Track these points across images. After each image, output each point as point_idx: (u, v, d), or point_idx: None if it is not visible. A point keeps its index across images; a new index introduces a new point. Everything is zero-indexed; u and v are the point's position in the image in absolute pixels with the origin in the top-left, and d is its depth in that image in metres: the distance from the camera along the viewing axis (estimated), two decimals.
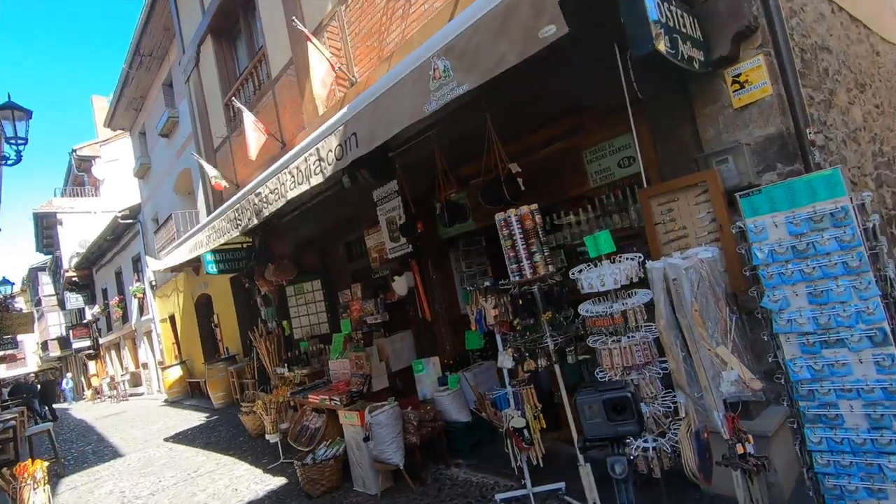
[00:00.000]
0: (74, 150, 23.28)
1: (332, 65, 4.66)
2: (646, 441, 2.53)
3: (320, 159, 3.44)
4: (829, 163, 3.35)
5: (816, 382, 1.99)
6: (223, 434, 8.10)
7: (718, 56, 3.05)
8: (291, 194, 3.80)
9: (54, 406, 17.81)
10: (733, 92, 3.12)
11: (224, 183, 6.75)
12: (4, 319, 12.23)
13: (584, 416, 1.88)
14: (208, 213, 8.82)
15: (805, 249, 1.95)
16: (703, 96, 3.24)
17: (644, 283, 2.73)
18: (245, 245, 8.14)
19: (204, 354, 12.79)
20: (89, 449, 9.36)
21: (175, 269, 12.42)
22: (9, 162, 7.91)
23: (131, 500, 5.52)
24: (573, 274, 2.89)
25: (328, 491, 4.51)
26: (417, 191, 5.21)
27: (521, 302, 3.19)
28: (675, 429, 2.61)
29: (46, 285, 31.72)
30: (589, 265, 2.87)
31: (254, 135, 5.49)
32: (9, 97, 7.89)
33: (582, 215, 4.23)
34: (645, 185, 3.40)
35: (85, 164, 23.81)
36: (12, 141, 7.51)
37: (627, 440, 1.98)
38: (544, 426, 3.47)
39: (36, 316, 34.16)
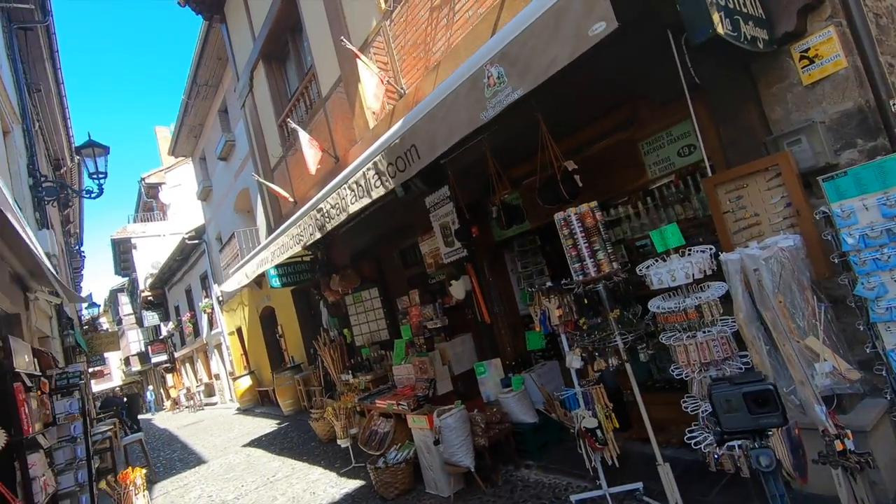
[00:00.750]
0: (143, 179, 25.14)
1: (381, 79, 4.79)
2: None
3: (379, 172, 3.55)
4: None
5: None
6: (295, 440, 8.46)
7: (784, 33, 2.90)
8: (353, 208, 3.94)
9: (139, 417, 19.20)
10: (802, 68, 2.95)
11: (287, 194, 7.11)
12: (94, 339, 13.35)
13: (721, 410, 1.83)
14: (268, 229, 9.28)
15: None
16: (769, 75, 3.08)
17: (717, 275, 2.64)
18: (304, 258, 8.48)
19: (271, 364, 13.41)
20: (175, 456, 10.04)
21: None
22: (93, 195, 8.64)
23: None
24: (641, 270, 2.83)
25: (402, 493, 4.63)
26: (470, 195, 5.25)
27: (586, 301, 3.15)
28: None
29: (125, 305, 34.26)
30: (657, 260, 2.81)
31: (310, 151, 5.73)
32: (89, 136, 8.60)
33: (641, 208, 4.12)
34: (709, 174, 3.27)
35: (152, 190, 25.63)
36: (94, 176, 8.21)
37: (770, 432, 1.89)
38: (616, 426, 3.40)
39: (118, 334, 37.06)
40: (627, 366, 3.10)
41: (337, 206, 4.15)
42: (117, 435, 10.66)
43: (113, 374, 41.57)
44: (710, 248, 2.62)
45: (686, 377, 2.65)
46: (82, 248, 18.46)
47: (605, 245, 3.09)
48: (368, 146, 4.87)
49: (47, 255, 7.41)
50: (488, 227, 5.47)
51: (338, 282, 7.24)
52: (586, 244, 3.09)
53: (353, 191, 3.89)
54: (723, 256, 2.43)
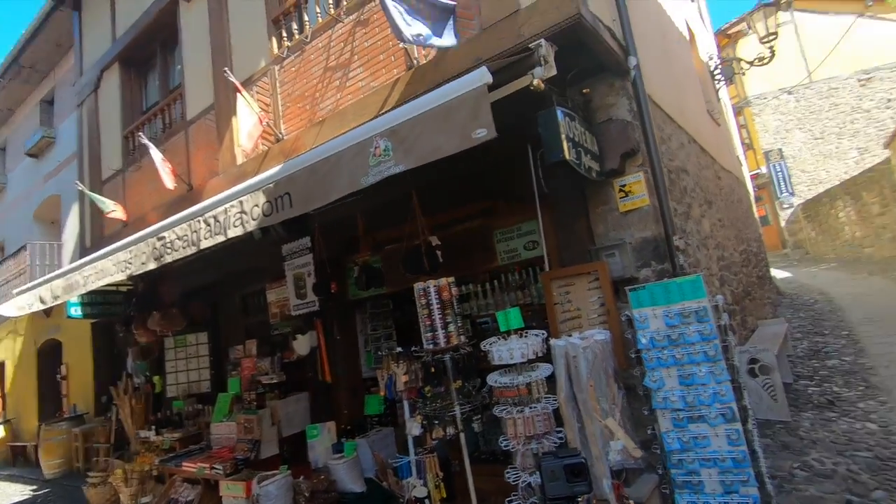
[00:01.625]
0: None
1: (260, 119, 4.68)
2: None
3: (243, 212, 3.39)
4: (689, 264, 4.08)
5: (684, 453, 2.36)
6: None
7: (609, 168, 3.68)
8: (205, 244, 3.65)
9: None
10: (619, 198, 3.74)
11: (121, 215, 6.18)
12: None
13: (547, 479, 2.19)
14: (80, 248, 7.86)
15: (677, 339, 2.39)
16: (597, 199, 3.82)
17: (546, 358, 3.04)
18: (120, 288, 7.32)
19: (40, 412, 10.76)
20: None
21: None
22: None
23: None
24: (484, 346, 3.11)
25: None
26: (331, 250, 5.23)
27: (433, 370, 3.32)
28: None
29: None
30: (499, 338, 3.13)
31: (165, 170, 5.20)
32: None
33: (489, 289, 4.56)
34: (547, 268, 3.83)
35: None
36: None
37: (580, 499, 2.25)
38: (444, 496, 3.51)
39: None
40: (461, 436, 3.28)
41: (185, 237, 3.79)
42: None
43: None
44: (543, 333, 3.02)
45: (512, 449, 2.91)
46: None
47: (456, 319, 3.35)
48: (232, 182, 4.65)
49: None
50: (345, 285, 5.45)
51: (157, 321, 6.36)
52: (440, 315, 3.31)
53: (208, 225, 3.62)
54: (553, 342, 2.83)
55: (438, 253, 3.86)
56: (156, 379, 7.20)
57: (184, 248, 3.82)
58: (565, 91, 3.58)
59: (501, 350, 2.95)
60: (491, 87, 2.68)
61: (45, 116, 11.83)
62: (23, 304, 5.56)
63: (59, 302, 5.19)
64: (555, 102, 3.13)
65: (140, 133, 5.87)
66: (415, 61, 3.92)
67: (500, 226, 4.43)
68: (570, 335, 3.02)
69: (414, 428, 3.30)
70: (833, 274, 12.72)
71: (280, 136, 4.85)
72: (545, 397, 2.96)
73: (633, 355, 2.62)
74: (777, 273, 12.73)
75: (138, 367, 7.47)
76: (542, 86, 2.92)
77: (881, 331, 6.76)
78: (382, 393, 3.62)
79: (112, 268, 4.46)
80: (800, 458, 3.74)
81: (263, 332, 6.29)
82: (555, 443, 2.91)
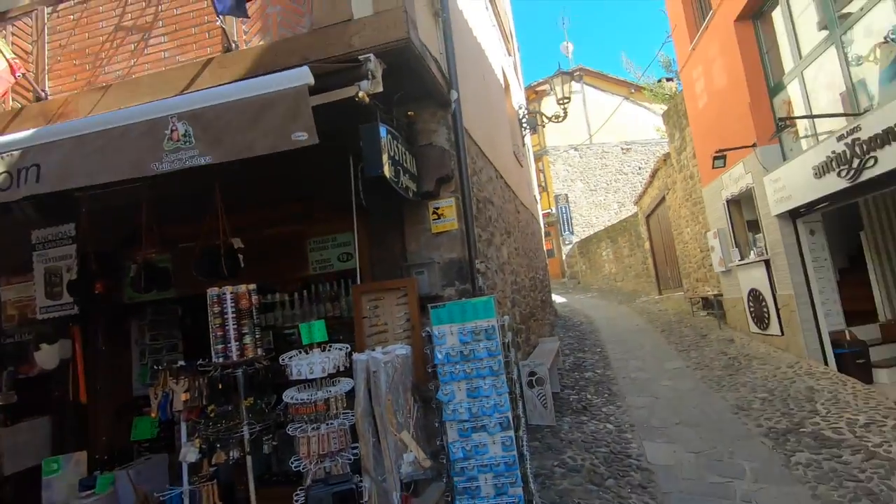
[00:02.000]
0: None
1: (12, 66, 3.68)
2: None
3: None
4: (488, 286, 4.50)
5: (466, 461, 2.54)
6: None
7: (425, 190, 3.86)
8: None
9: None
10: (433, 220, 3.95)
11: None
12: None
13: None
14: None
15: (468, 354, 2.59)
16: (412, 217, 3.97)
17: (348, 372, 2.99)
18: None
19: None
20: None
21: None
22: None
23: None
24: (283, 360, 2.92)
25: None
26: (102, 243, 4.36)
27: (220, 386, 2.97)
28: None
29: None
30: (300, 351, 2.98)
31: None
32: None
33: (297, 299, 4.33)
34: (359, 281, 3.81)
35: None
36: None
37: None
38: None
39: None
40: (248, 458, 2.99)
41: None
42: None
43: None
44: (347, 347, 2.97)
45: (303, 469, 2.77)
46: None
47: (254, 329, 3.08)
48: None
49: None
50: (118, 286, 4.58)
51: None
52: (235, 326, 3.00)
53: None
54: (355, 356, 2.80)
55: (240, 257, 3.52)
56: None
57: None
58: (391, 110, 3.66)
59: (301, 364, 2.80)
60: (316, 92, 2.58)
61: None
62: None
63: None
64: (379, 119, 3.17)
65: None
66: (234, 45, 3.56)
67: (315, 234, 4.27)
68: (374, 349, 3.03)
69: (190, 453, 2.89)
70: (595, 301, 15.57)
71: (43, 94, 3.89)
72: (343, 413, 2.91)
73: (430, 370, 2.76)
74: (556, 298, 15.01)
75: None
76: (367, 99, 2.93)
77: (621, 349, 8.48)
78: (154, 413, 3.10)
79: None
80: (559, 456, 4.39)
81: None
82: (349, 459, 2.85)
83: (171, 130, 2.38)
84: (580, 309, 13.84)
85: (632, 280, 15.52)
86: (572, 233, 20.83)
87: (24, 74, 3.80)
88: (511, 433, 2.54)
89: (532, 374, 4.88)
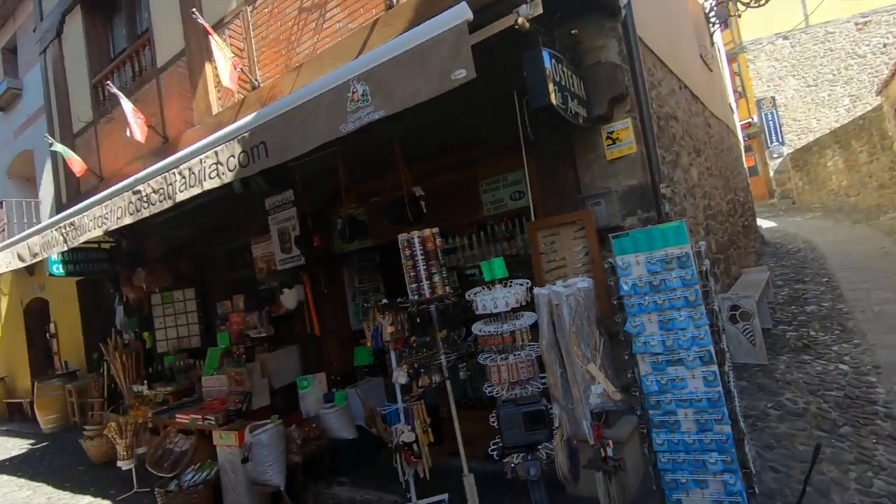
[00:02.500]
0: None
1: (234, 64, 4.45)
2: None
3: (218, 163, 3.27)
4: (675, 213, 4.06)
5: (662, 394, 2.42)
6: (56, 464, 6.93)
7: (597, 114, 3.57)
8: (181, 196, 3.54)
9: None
10: (606, 146, 3.66)
11: (85, 167, 5.98)
12: None
13: (506, 427, 2.09)
14: (57, 205, 7.65)
15: (658, 285, 2.40)
16: (583, 146, 3.74)
17: (530, 306, 3.06)
18: (102, 245, 7.19)
19: (32, 370, 10.83)
20: None
21: None
22: None
23: None
24: (469, 296, 3.12)
25: None
26: (314, 203, 5.14)
27: (418, 320, 3.33)
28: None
29: None
30: (483, 288, 3.13)
31: (136, 122, 4.98)
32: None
33: (474, 241, 4.53)
34: (533, 218, 3.80)
35: None
36: None
37: (539, 446, 2.21)
38: (432, 440, 3.62)
39: None
40: (448, 383, 3.34)
41: (161, 191, 3.68)
42: None
43: None
44: (527, 283, 3.02)
45: (496, 395, 2.98)
46: None
47: (441, 269, 3.33)
48: (209, 132, 4.45)
49: None
50: (330, 239, 5.40)
51: (143, 277, 6.30)
52: (424, 267, 3.29)
53: (184, 177, 3.51)
54: (536, 290, 2.83)
55: (422, 203, 3.79)
56: (145, 335, 7.22)
57: (160, 201, 3.71)
58: (552, 32, 3.41)
59: (486, 299, 2.95)
60: (473, 28, 2.54)
61: (10, 67, 11.21)
62: (5, 262, 5.46)
63: (38, 259, 5.09)
64: (541, 44, 2.99)
65: (109, 82, 5.58)
66: (394, 1, 3.70)
67: (486, 175, 4.35)
68: (554, 284, 3.02)
69: (400, 377, 3.35)
70: (818, 222, 12.88)
71: (256, 83, 4.63)
72: (528, 345, 3.01)
73: (615, 302, 2.65)
74: (763, 222, 12.85)
75: (127, 323, 7.47)
76: (528, 25, 2.77)
77: (860, 277, 6.92)
78: (369, 344, 3.65)
79: (89, 223, 4.34)
80: (774, 398, 3.89)
81: (250, 286, 6.27)
82: (538, 388, 2.97)
83: (352, 92, 2.62)
84: (796, 233, 11.63)
85: (872, 193, 12.29)
86: (782, 143, 17.15)
87: (242, 69, 4.57)
88: (714, 368, 2.32)
89: (735, 307, 4.33)
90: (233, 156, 3.19)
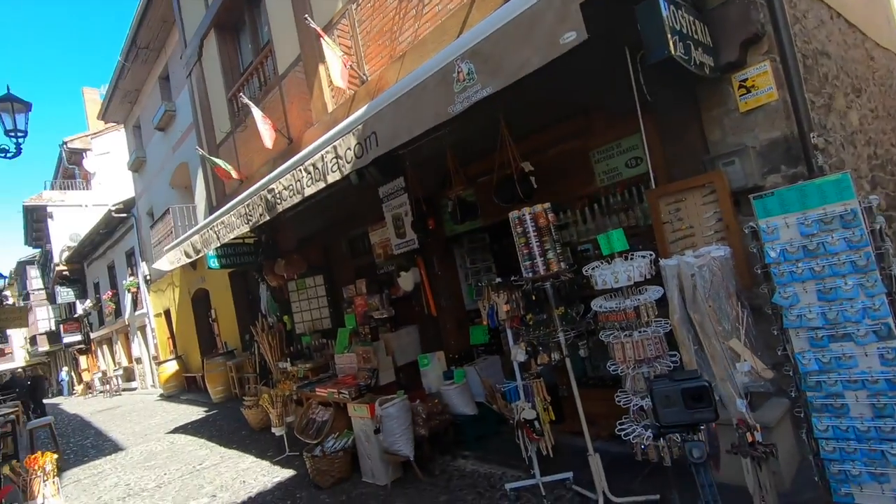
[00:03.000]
0: (65, 143, 23.02)
1: (344, 62, 4.71)
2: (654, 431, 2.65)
3: (338, 157, 3.50)
4: (830, 166, 3.48)
5: (824, 374, 2.11)
6: (224, 428, 8.14)
7: (726, 62, 3.17)
8: (309, 191, 3.87)
9: (43, 401, 17.67)
10: (739, 96, 3.23)
11: (233, 172, 6.80)
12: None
13: (661, 404, 1.94)
14: (209, 207, 8.84)
15: (815, 249, 2.07)
16: (710, 100, 3.35)
17: (653, 280, 2.85)
18: (247, 240, 8.17)
19: (201, 349, 12.79)
20: (88, 443, 9.36)
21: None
22: (8, 155, 7.87)
23: (137, 492, 5.57)
24: (587, 271, 2.99)
25: (337, 482, 4.60)
26: (424, 188, 5.29)
27: (534, 297, 3.29)
28: None
29: (35, 279, 31.35)
30: (602, 262, 2.99)
31: (265, 128, 5.54)
32: (8, 89, 7.84)
33: (588, 214, 4.33)
34: (653, 186, 3.51)
35: (76, 156, 23.55)
36: (11, 134, 7.48)
37: (702, 427, 2.04)
38: (553, 418, 3.58)
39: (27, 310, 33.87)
40: (567, 361, 3.26)
41: (291, 187, 4.05)
42: (20, 419, 9.76)
43: (15, 353, 37.89)
44: (650, 254, 2.81)
45: (620, 373, 2.84)
46: None
47: (554, 245, 3.23)
48: (326, 130, 4.79)
49: None
50: (441, 222, 5.53)
51: (283, 266, 7.04)
52: (538, 243, 3.22)
53: (309, 173, 3.82)
54: (663, 262, 2.62)
55: (532, 179, 3.70)
56: (286, 318, 8.12)
57: (290, 196, 4.09)
58: None
59: (605, 274, 2.81)
60: None
61: (165, 92, 13.09)
62: (172, 259, 6.46)
63: (200, 255, 5.94)
64: None
65: (241, 94, 6.25)
66: None
67: (598, 144, 4.11)
68: (683, 254, 2.77)
69: (519, 354, 3.34)
70: None
71: (364, 77, 4.86)
72: (655, 321, 2.81)
73: (758, 271, 2.34)
74: None
75: (271, 307, 8.45)
76: None
77: None
78: (485, 322, 3.69)
79: (236, 221, 4.94)
80: None
81: (371, 271, 6.69)
82: (668, 366, 2.78)
83: (457, 73, 2.61)
84: None
85: None
86: None
87: (351, 66, 4.82)
88: (893, 343, 1.95)
89: None
90: (349, 148, 3.39)
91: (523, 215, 3.26)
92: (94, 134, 22.72)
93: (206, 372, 10.80)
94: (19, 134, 7.50)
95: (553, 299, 3.20)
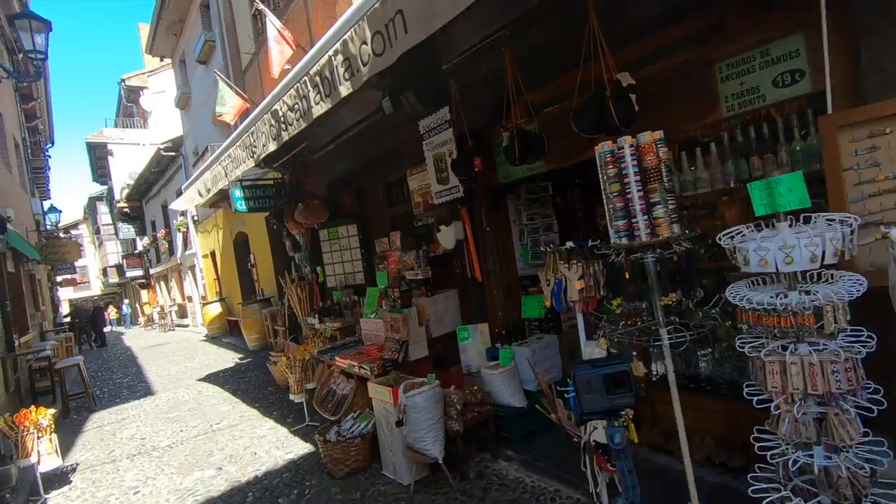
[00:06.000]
0: (123, 80, 23.15)
1: None
2: None
3: (349, 58, 2.45)
4: None
5: None
6: (252, 381, 7.74)
7: None
8: (317, 110, 2.87)
9: (105, 331, 18.62)
10: None
11: (229, 119, 5.89)
12: (53, 246, 12.32)
13: (584, 391, 1.87)
14: None
15: None
16: None
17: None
18: (276, 181, 7.39)
19: (242, 294, 12.58)
20: (126, 382, 9.35)
21: (213, 205, 12.02)
22: (28, 79, 7.33)
23: (148, 451, 5.15)
24: (724, 241, 1.86)
25: (353, 472, 3.87)
26: (473, 120, 4.16)
27: (627, 275, 2.19)
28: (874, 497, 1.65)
29: (104, 215, 32.95)
30: (750, 227, 1.84)
31: (277, 47, 4.52)
32: (25, 5, 7.20)
33: (700, 158, 3.08)
34: (829, 110, 2.24)
35: (133, 94, 23.72)
36: (31, 54, 6.88)
37: (623, 412, 1.99)
38: (636, 440, 2.56)
39: (96, 243, 36.11)
40: (671, 376, 2.18)
41: (296, 107, 3.06)
42: (70, 351, 9.91)
43: (92, 283, 40.84)
44: (854, 219, 1.64)
45: (774, 410, 1.75)
46: (47, 148, 17.05)
47: (666, 198, 2.09)
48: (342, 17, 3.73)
49: None
50: (493, 165, 4.42)
51: (301, 212, 6.20)
52: (640, 193, 2.09)
53: (316, 86, 2.80)
54: (894, 232, 1.45)
55: (632, 99, 2.50)
56: (319, 269, 7.39)
57: (297, 120, 3.11)
58: None
59: (767, 248, 1.67)
60: None
61: (206, 20, 12.24)
62: (189, 198, 5.77)
63: (211, 194, 5.18)
64: None
65: (261, 4, 5.21)
66: None
67: (727, 54, 2.80)
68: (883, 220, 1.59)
69: (596, 355, 2.30)
70: None
71: None
72: (841, 331, 1.68)
73: None
74: None
75: (303, 257, 7.75)
76: None
77: None
78: (548, 303, 2.65)
79: (242, 154, 4.06)
80: None
81: (408, 223, 5.75)
82: (866, 407, 1.66)
83: None
84: None
85: None
86: None
87: None
88: None
89: None
90: (365, 43, 2.32)
91: (621, 149, 2.12)
92: (151, 72, 22.60)
93: (243, 318, 10.50)
94: (38, 56, 6.89)
95: (661, 279, 2.09)
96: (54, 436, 4.33)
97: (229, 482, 4.09)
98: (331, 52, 2.57)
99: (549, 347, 4.18)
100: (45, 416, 4.28)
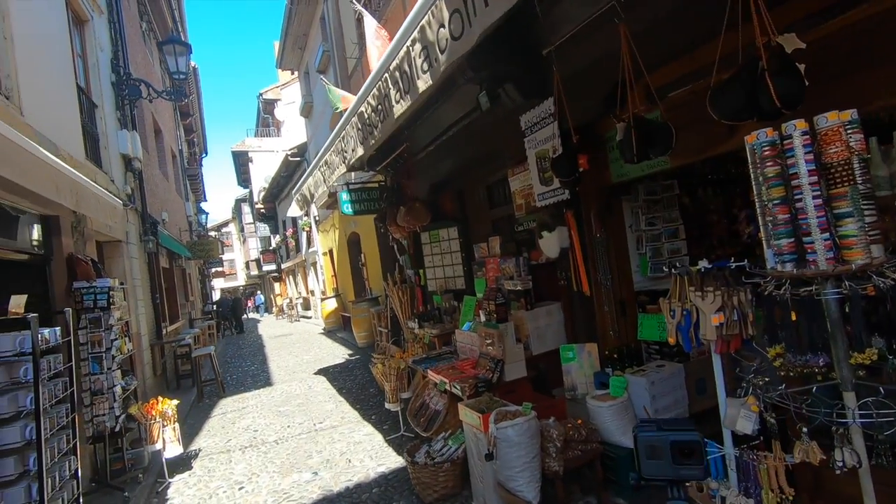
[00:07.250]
0: (261, 94, 25.86)
1: None
2: None
3: (426, 46, 2.12)
4: None
5: None
6: (358, 379, 7.92)
7: None
8: (398, 110, 2.61)
9: (244, 319, 20.90)
10: None
11: (344, 107, 5.91)
12: (200, 245, 14.08)
13: (645, 455, 1.66)
14: None
15: None
16: None
17: None
18: (381, 183, 7.43)
19: (354, 291, 13.13)
20: (251, 371, 10.21)
21: (330, 206, 12.71)
22: (173, 98, 8.21)
23: (258, 444, 5.42)
24: None
25: (442, 499, 3.59)
26: (581, 113, 3.61)
27: (794, 316, 1.57)
28: None
29: (246, 215, 37.25)
30: None
31: (376, 43, 4.39)
32: (171, 33, 8.04)
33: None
34: None
35: (269, 106, 26.34)
36: (175, 75, 7.69)
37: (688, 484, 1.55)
38: None
39: (241, 240, 41.10)
40: (864, 462, 1.51)
41: (379, 109, 2.83)
42: (214, 337, 11.13)
43: (238, 274, 46.62)
44: None
45: None
46: (202, 158, 19.51)
47: (861, 207, 1.43)
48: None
49: (126, 157, 7.15)
50: (604, 161, 3.83)
51: (403, 215, 6.08)
52: (819, 201, 1.46)
53: (396, 84, 2.53)
54: None
55: (800, 69, 1.82)
56: (421, 272, 7.30)
57: (380, 122, 2.88)
58: None
59: None
60: None
61: (324, 32, 12.96)
62: (301, 203, 5.96)
63: (315, 199, 5.26)
64: None
65: (356, 3, 5.14)
66: None
67: None
68: None
69: (741, 421, 1.70)
70: None
71: None
72: None
73: None
74: None
75: (406, 260, 7.73)
76: None
77: None
78: (671, 339, 2.07)
79: (336, 159, 3.99)
80: None
81: (509, 227, 5.33)
82: None
83: None
84: None
85: None
86: None
87: None
88: None
89: None
90: (442, 26, 1.97)
91: (787, 138, 1.50)
92: (283, 85, 24.89)
93: (353, 315, 10.90)
94: (181, 75, 7.67)
95: (852, 324, 1.44)
96: (177, 425, 4.69)
97: (322, 490, 4.06)
98: (408, 42, 2.27)
99: (672, 378, 3.49)
100: (170, 406, 4.65)
